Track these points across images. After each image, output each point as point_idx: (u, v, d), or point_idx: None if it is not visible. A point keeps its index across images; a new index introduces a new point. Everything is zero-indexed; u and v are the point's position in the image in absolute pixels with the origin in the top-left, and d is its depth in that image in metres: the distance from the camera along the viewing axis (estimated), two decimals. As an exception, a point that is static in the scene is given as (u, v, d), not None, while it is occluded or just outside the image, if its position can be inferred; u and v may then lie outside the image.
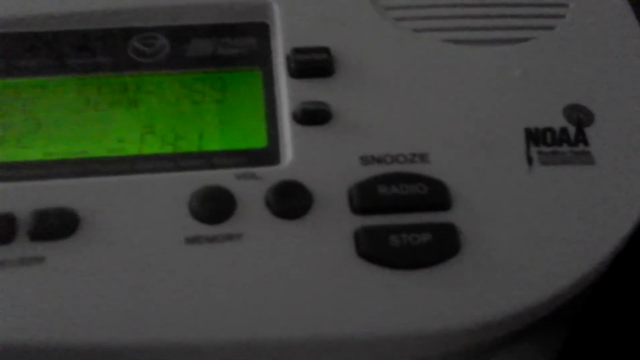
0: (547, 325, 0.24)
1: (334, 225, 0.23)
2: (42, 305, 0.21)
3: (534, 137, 0.25)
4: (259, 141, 0.26)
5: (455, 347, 0.22)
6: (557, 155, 0.25)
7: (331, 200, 0.23)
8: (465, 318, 0.22)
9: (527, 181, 0.24)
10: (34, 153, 0.25)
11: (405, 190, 0.23)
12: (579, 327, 0.27)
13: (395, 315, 0.22)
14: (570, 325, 0.27)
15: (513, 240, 0.23)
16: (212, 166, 0.25)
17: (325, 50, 0.27)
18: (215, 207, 0.23)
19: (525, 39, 0.28)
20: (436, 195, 0.24)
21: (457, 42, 0.28)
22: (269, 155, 0.25)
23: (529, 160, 0.25)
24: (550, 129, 0.25)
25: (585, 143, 0.25)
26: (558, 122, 0.26)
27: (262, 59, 0.28)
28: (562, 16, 0.29)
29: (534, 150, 0.25)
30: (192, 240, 0.23)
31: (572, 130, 0.25)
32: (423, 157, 0.25)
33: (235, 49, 0.28)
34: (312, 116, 0.25)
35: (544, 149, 0.25)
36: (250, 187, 0.24)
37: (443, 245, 0.23)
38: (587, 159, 0.25)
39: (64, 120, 0.26)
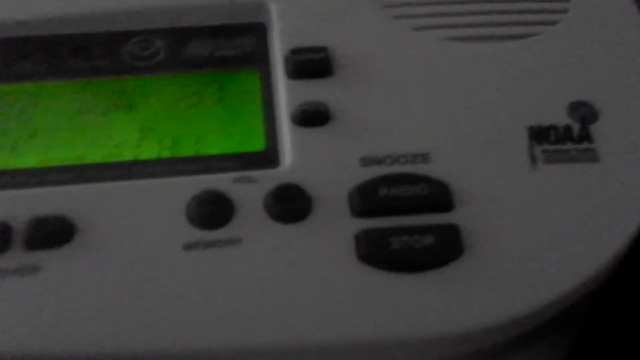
0: (555, 327, 0.23)
1: (334, 228, 0.23)
2: (38, 315, 0.21)
3: (537, 135, 0.25)
4: (257, 144, 0.25)
5: (459, 352, 0.22)
6: (561, 153, 0.24)
7: (331, 203, 0.23)
8: (471, 322, 0.21)
9: (531, 180, 0.24)
10: (29, 160, 0.25)
11: (407, 191, 0.23)
12: (589, 328, 0.27)
13: (398, 319, 0.21)
14: (580, 327, 0.27)
15: (518, 240, 0.22)
16: (210, 170, 0.24)
17: (324, 49, 0.27)
18: (213, 212, 0.23)
19: (528, 35, 0.28)
20: (438, 196, 0.23)
21: (457, 39, 0.27)
22: (268, 158, 0.25)
23: (533, 159, 0.24)
24: (554, 127, 0.25)
25: (590, 140, 0.25)
26: (562, 119, 0.25)
27: (259, 59, 0.27)
28: (565, 11, 0.29)
29: (537, 148, 0.24)
30: (191, 246, 0.22)
31: (576, 127, 0.25)
32: (424, 158, 0.24)
33: (232, 50, 0.28)
34: (311, 117, 0.25)
35: (548, 147, 0.25)
36: (248, 191, 0.23)
37: (446, 247, 0.22)
38: (591, 156, 0.24)
39: (59, 125, 0.26)
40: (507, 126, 0.25)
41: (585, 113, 0.25)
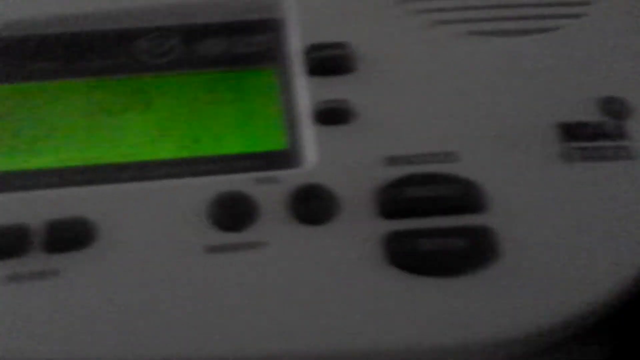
0: (592, 335, 0.23)
1: (361, 230, 0.22)
2: (57, 320, 0.21)
3: (568, 132, 0.24)
4: (278, 143, 0.25)
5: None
6: (594, 150, 0.24)
7: (357, 204, 0.23)
8: (509, 329, 0.20)
9: (563, 179, 0.23)
10: (46, 160, 0.25)
11: (436, 191, 0.22)
12: (627, 335, 0.26)
13: (430, 326, 0.21)
14: (615, 337, 0.26)
15: (555, 242, 0.22)
16: (231, 170, 0.24)
17: (343, 45, 0.26)
18: (235, 213, 0.22)
19: (551, 29, 0.27)
20: (469, 197, 0.22)
21: (481, 33, 0.27)
22: (290, 157, 0.24)
23: (565, 157, 0.24)
24: (585, 123, 0.24)
25: (624, 137, 0.24)
26: (593, 115, 0.25)
27: (276, 56, 0.27)
28: (588, 3, 0.28)
29: (569, 146, 0.24)
30: (213, 249, 0.22)
31: (609, 123, 0.24)
32: (453, 156, 0.23)
33: (249, 47, 0.28)
34: (333, 115, 0.24)
35: (580, 144, 0.24)
36: (271, 192, 0.23)
37: (480, 251, 0.21)
38: (626, 154, 0.24)
39: (76, 125, 0.26)
40: (536, 123, 0.24)
41: (618, 109, 0.25)
